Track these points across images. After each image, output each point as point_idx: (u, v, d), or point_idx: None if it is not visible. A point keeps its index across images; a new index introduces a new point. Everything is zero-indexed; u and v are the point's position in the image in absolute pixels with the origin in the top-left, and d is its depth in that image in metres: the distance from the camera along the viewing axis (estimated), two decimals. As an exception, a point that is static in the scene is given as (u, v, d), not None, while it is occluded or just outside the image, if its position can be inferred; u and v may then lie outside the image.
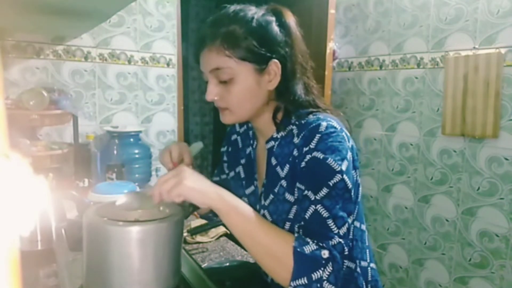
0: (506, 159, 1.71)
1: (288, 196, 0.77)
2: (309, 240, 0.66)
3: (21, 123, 1.67)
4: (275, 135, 0.82)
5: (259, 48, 0.73)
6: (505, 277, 1.73)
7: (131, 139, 1.88)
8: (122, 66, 2.10)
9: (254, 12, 0.76)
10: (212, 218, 1.19)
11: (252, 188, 0.88)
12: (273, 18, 0.77)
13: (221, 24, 0.74)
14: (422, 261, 2.09)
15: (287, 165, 0.78)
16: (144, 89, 2.18)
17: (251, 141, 0.91)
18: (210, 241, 1.27)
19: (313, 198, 0.69)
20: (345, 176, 0.69)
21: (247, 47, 0.73)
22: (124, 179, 1.49)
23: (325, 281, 0.64)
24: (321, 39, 2.18)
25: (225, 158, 1.01)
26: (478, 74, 1.75)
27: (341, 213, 0.68)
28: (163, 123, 2.27)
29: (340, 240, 0.67)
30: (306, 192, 0.70)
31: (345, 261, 0.70)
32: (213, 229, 1.29)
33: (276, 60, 0.75)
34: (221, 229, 1.31)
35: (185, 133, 3.55)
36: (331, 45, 2.21)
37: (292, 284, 0.64)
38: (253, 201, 0.87)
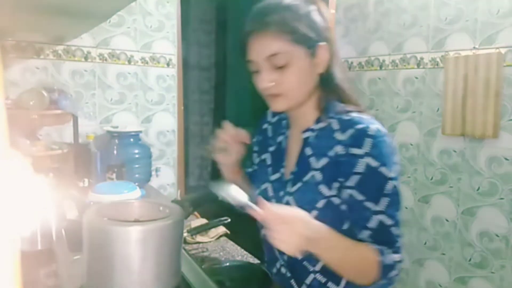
0: (506, 159, 1.71)
1: (322, 188, 0.79)
2: (385, 249, 0.73)
3: (21, 123, 1.67)
4: (312, 126, 0.85)
5: (309, 32, 0.77)
6: (505, 277, 1.73)
7: (131, 139, 1.88)
8: (122, 66, 2.10)
9: (297, 1, 0.80)
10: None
11: (278, 175, 0.90)
12: (314, 7, 0.81)
13: (272, 11, 0.78)
14: (422, 261, 2.09)
15: (325, 158, 0.80)
16: (144, 89, 2.18)
17: (284, 130, 0.94)
18: (210, 241, 1.26)
19: (374, 209, 0.74)
20: (395, 182, 0.75)
21: (299, 32, 0.77)
22: (124, 179, 1.49)
23: (395, 272, 0.74)
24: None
25: (255, 148, 1.03)
26: (478, 74, 1.75)
27: (399, 216, 0.76)
28: (163, 123, 2.27)
29: (401, 238, 0.76)
30: (365, 203, 0.74)
31: None
32: (213, 229, 1.29)
33: (324, 43, 0.79)
34: (221, 229, 1.31)
35: (184, 133, 3.55)
36: (331, 45, 2.20)
37: (372, 285, 0.73)
38: (277, 188, 0.89)
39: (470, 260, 1.87)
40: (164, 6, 2.20)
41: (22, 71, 1.85)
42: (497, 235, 1.76)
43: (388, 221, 0.74)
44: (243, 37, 0.80)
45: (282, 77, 0.78)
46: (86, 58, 2.00)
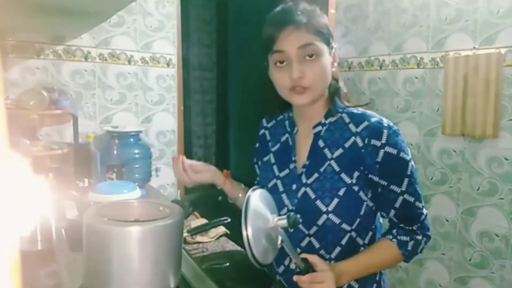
0: (506, 159, 1.71)
1: (344, 177, 0.86)
2: (405, 238, 0.87)
3: (21, 123, 1.67)
4: (323, 120, 0.91)
5: (329, 36, 0.87)
6: (505, 277, 1.73)
7: (131, 139, 1.88)
8: (122, 66, 2.10)
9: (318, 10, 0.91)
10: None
11: (287, 171, 0.94)
12: (327, 18, 0.92)
13: (303, 12, 0.86)
14: (422, 261, 2.09)
15: (340, 149, 0.88)
16: (144, 89, 2.18)
17: (289, 129, 0.98)
18: (210, 241, 1.26)
19: (399, 191, 0.85)
20: (412, 162, 0.86)
21: (325, 31, 0.86)
22: (124, 179, 1.49)
23: (424, 245, 0.89)
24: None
25: (254, 159, 1.09)
26: (478, 74, 1.75)
27: (419, 191, 0.87)
28: (163, 123, 2.27)
29: (425, 210, 0.88)
30: (391, 187, 0.85)
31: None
32: (213, 229, 1.29)
33: (335, 48, 0.91)
34: (221, 229, 1.31)
35: (187, 134, 3.53)
36: (331, 45, 2.20)
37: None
38: (287, 182, 0.93)
39: (470, 260, 1.87)
40: (164, 6, 2.20)
41: (22, 71, 1.85)
42: (497, 235, 1.76)
43: (410, 199, 0.85)
44: (273, 29, 0.85)
45: (310, 68, 0.83)
46: (86, 58, 2.00)
